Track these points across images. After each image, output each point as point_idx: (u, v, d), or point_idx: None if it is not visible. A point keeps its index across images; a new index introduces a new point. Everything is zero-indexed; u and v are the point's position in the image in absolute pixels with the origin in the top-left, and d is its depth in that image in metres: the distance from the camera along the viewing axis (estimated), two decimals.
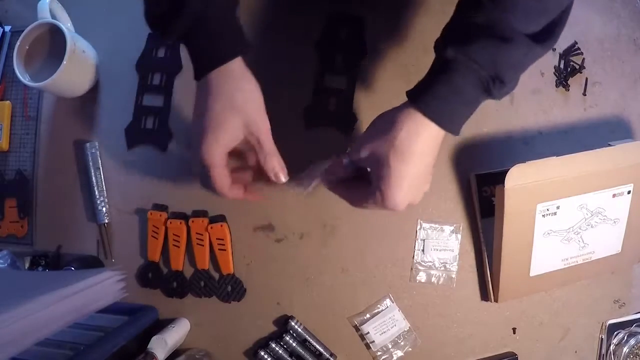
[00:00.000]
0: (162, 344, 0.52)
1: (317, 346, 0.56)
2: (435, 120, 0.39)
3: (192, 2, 0.40)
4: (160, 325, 0.57)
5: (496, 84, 0.38)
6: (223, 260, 0.58)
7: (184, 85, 0.61)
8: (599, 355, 0.59)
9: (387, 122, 0.41)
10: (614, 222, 0.54)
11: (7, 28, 0.66)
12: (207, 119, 0.43)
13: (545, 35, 0.38)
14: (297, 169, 0.58)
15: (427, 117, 0.39)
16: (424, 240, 0.57)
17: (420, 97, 0.39)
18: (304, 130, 0.59)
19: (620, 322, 0.58)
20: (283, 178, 0.47)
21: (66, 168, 0.63)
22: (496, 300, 0.55)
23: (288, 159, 0.58)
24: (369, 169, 0.44)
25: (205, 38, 0.43)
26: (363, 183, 0.44)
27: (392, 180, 0.40)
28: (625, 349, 0.57)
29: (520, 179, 0.48)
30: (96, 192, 0.61)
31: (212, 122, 0.43)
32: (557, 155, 0.49)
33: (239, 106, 0.43)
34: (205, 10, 0.41)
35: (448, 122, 0.40)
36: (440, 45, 0.40)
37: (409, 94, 0.41)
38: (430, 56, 0.51)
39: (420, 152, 0.40)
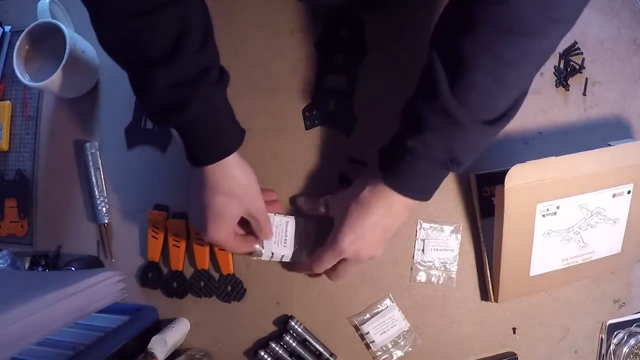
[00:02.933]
0: (162, 344, 0.52)
1: (317, 346, 0.56)
2: (405, 194, 0.44)
3: (196, 100, 0.41)
4: (160, 325, 0.57)
5: (454, 165, 0.42)
6: (223, 260, 0.58)
7: None
8: (599, 355, 0.59)
9: (357, 186, 0.48)
10: (614, 222, 0.54)
11: (7, 28, 0.66)
12: (209, 211, 0.46)
13: (501, 119, 0.40)
14: (297, 168, 0.58)
15: (397, 192, 0.44)
16: (424, 240, 0.57)
17: (388, 175, 0.45)
18: (304, 130, 0.59)
19: (620, 322, 0.58)
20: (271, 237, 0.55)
21: (66, 168, 0.63)
22: (496, 300, 0.55)
23: (288, 159, 0.59)
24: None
25: (205, 133, 0.44)
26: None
27: (344, 225, 0.46)
28: (625, 349, 0.57)
29: (520, 179, 0.48)
30: (96, 192, 0.61)
31: (214, 213, 0.46)
32: (557, 155, 0.49)
33: (238, 195, 0.47)
34: (207, 107, 0.43)
35: (415, 194, 0.45)
36: (401, 128, 0.45)
37: (379, 163, 0.46)
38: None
39: (382, 213, 0.46)
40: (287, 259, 0.56)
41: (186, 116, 0.42)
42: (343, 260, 0.49)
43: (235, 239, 0.51)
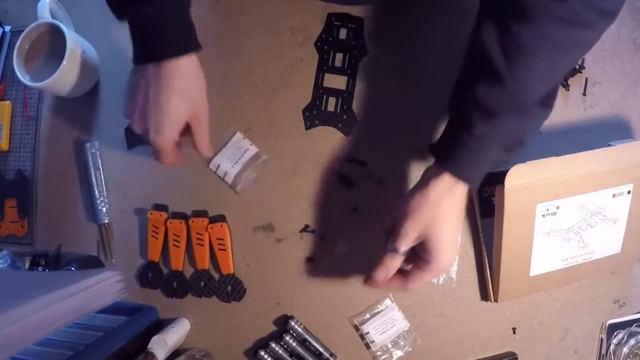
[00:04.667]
0: (162, 344, 0.52)
1: (317, 346, 0.56)
2: (466, 181, 0.43)
3: None
4: (160, 325, 0.57)
5: (518, 147, 0.44)
6: (223, 260, 0.58)
7: None
8: (599, 355, 0.59)
9: (421, 197, 0.44)
10: (614, 222, 0.54)
11: (7, 28, 0.66)
12: (161, 109, 0.45)
13: (550, 100, 0.44)
14: (297, 168, 0.58)
15: (459, 179, 0.43)
16: None
17: (452, 163, 0.43)
18: (303, 130, 0.59)
19: (620, 322, 0.58)
20: (210, 154, 0.54)
21: (66, 168, 0.63)
22: (496, 300, 0.55)
23: (288, 159, 0.59)
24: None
25: (173, 25, 0.44)
26: (408, 265, 0.47)
27: (441, 247, 0.43)
28: (625, 349, 0.57)
29: (520, 179, 0.48)
30: (96, 192, 0.61)
31: (165, 111, 0.45)
32: (557, 155, 0.49)
33: (189, 95, 0.46)
34: (165, 4, 0.43)
35: (476, 180, 0.44)
36: (466, 112, 0.43)
37: (436, 154, 0.45)
38: (430, 56, 0.51)
39: (457, 213, 0.44)
40: (228, 178, 0.58)
41: (141, 10, 0.42)
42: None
43: (175, 151, 0.49)
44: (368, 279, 0.48)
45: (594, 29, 0.41)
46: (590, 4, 0.39)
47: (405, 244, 0.44)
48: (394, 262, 0.45)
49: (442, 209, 0.43)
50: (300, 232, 0.57)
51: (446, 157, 0.44)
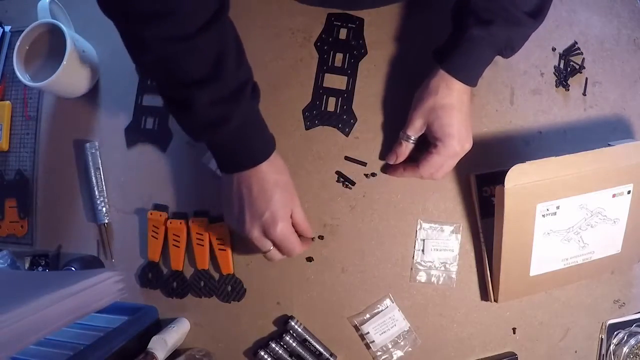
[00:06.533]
0: (162, 344, 0.52)
1: (317, 346, 0.56)
2: (463, 80, 0.49)
3: (237, 115, 0.43)
4: (160, 325, 0.57)
5: (508, 50, 0.49)
6: (223, 260, 0.58)
7: None
8: (599, 355, 0.59)
9: (424, 91, 0.51)
10: (614, 222, 0.54)
11: (7, 28, 0.66)
12: (271, 201, 0.47)
13: (540, 12, 0.48)
14: (297, 168, 0.58)
15: (456, 78, 0.49)
16: (424, 240, 0.57)
17: (450, 64, 0.49)
18: (303, 130, 0.59)
19: (620, 322, 0.58)
20: (311, 235, 0.54)
21: (66, 168, 0.63)
22: (496, 300, 0.55)
23: (288, 159, 0.59)
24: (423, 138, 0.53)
25: (248, 140, 0.46)
26: (421, 155, 0.53)
27: (446, 129, 0.49)
28: (625, 349, 0.57)
29: (520, 179, 0.48)
30: (96, 192, 0.61)
31: (275, 203, 0.47)
32: (557, 155, 0.49)
33: (286, 186, 0.49)
34: (247, 120, 0.45)
35: (472, 79, 0.50)
36: (463, 20, 0.48)
37: (438, 58, 0.50)
38: (430, 56, 0.52)
39: (458, 102, 0.49)
40: None
41: (228, 130, 0.44)
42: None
43: (296, 234, 0.51)
44: (387, 168, 0.57)
45: None
46: None
47: (413, 131, 0.52)
48: (404, 149, 0.54)
49: (441, 95, 0.49)
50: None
51: (442, 58, 0.50)
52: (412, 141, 0.53)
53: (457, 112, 0.49)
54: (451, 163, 0.52)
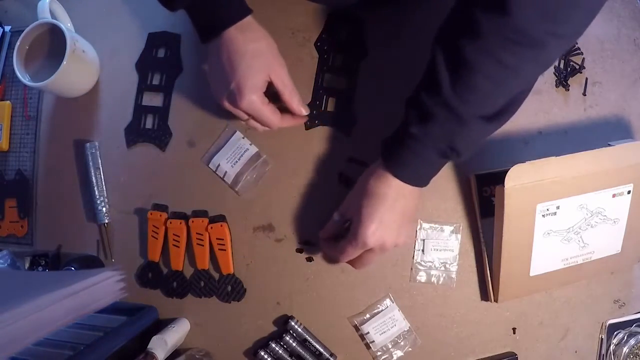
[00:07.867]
0: (162, 344, 0.52)
1: (317, 346, 0.56)
2: (400, 178, 0.46)
3: None
4: (160, 325, 0.57)
5: (453, 154, 0.44)
6: (223, 260, 0.58)
7: (184, 84, 0.61)
8: (599, 355, 0.59)
9: (362, 181, 0.49)
10: (614, 222, 0.54)
11: (7, 28, 0.66)
12: (239, 74, 0.46)
13: (500, 115, 0.43)
14: (297, 168, 0.58)
15: (392, 174, 0.46)
16: (424, 240, 0.57)
17: (391, 161, 0.46)
18: (303, 131, 0.58)
19: (620, 322, 0.58)
20: (305, 112, 0.53)
21: (66, 168, 0.63)
22: (496, 300, 0.55)
23: (288, 158, 0.59)
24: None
25: (215, 4, 0.46)
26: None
27: (362, 217, 0.46)
28: (625, 349, 0.57)
29: (520, 179, 0.48)
30: (96, 192, 0.61)
31: (241, 72, 0.46)
32: (557, 155, 0.49)
33: (264, 53, 0.47)
34: None
35: (414, 180, 0.46)
36: (406, 118, 0.45)
37: (382, 152, 0.48)
38: (429, 55, 0.52)
39: (392, 196, 0.46)
40: (228, 178, 0.58)
41: None
42: (368, 250, 0.48)
43: (269, 105, 0.49)
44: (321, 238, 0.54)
45: (544, 49, 0.38)
46: (541, 25, 0.36)
47: (339, 215, 0.51)
48: (329, 227, 0.52)
49: (370, 191, 0.47)
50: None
51: (383, 149, 0.48)
52: (335, 221, 0.51)
53: (390, 201, 0.46)
54: (371, 256, 0.49)
